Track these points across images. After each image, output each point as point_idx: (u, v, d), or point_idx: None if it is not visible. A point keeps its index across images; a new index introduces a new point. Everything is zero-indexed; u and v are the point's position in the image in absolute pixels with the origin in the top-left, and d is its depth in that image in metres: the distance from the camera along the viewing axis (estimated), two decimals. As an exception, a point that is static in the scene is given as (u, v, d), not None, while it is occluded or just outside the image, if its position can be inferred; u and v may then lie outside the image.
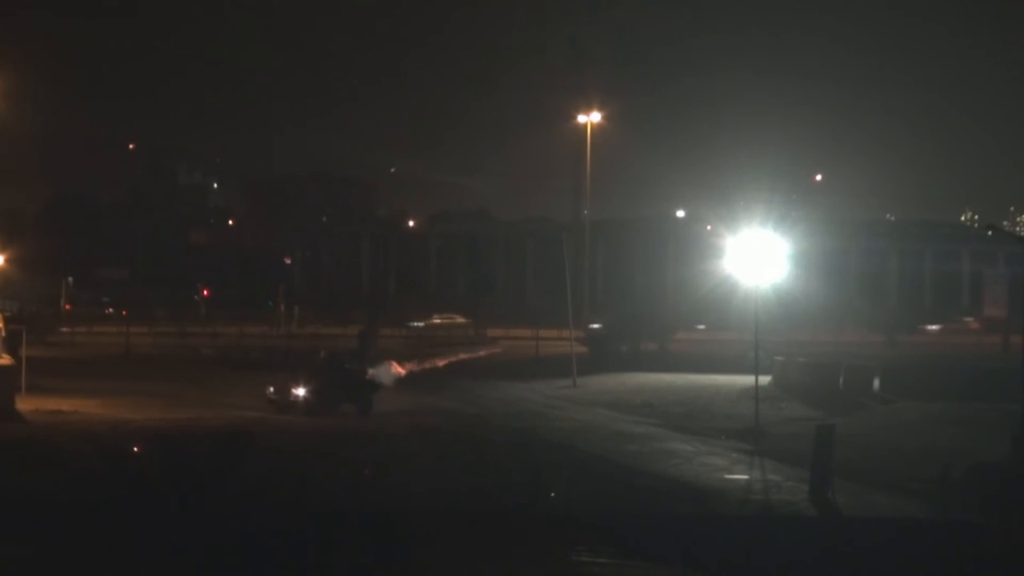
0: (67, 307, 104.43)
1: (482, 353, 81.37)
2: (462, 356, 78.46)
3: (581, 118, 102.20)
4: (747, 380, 53.17)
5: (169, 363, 68.24)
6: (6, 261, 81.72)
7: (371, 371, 54.24)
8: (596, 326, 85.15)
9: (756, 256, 48.69)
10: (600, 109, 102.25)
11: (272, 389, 50.67)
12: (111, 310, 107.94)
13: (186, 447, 27.30)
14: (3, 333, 52.87)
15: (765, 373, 56.05)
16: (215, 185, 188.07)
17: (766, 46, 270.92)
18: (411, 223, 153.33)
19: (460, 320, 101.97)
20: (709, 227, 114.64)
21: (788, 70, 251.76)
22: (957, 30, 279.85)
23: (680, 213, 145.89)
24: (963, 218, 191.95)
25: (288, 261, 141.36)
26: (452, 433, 43.47)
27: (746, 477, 35.89)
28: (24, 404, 47.12)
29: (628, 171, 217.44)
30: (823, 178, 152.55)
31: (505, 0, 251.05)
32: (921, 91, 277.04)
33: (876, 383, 55.33)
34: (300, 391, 49.67)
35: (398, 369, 62.83)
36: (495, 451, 38.71)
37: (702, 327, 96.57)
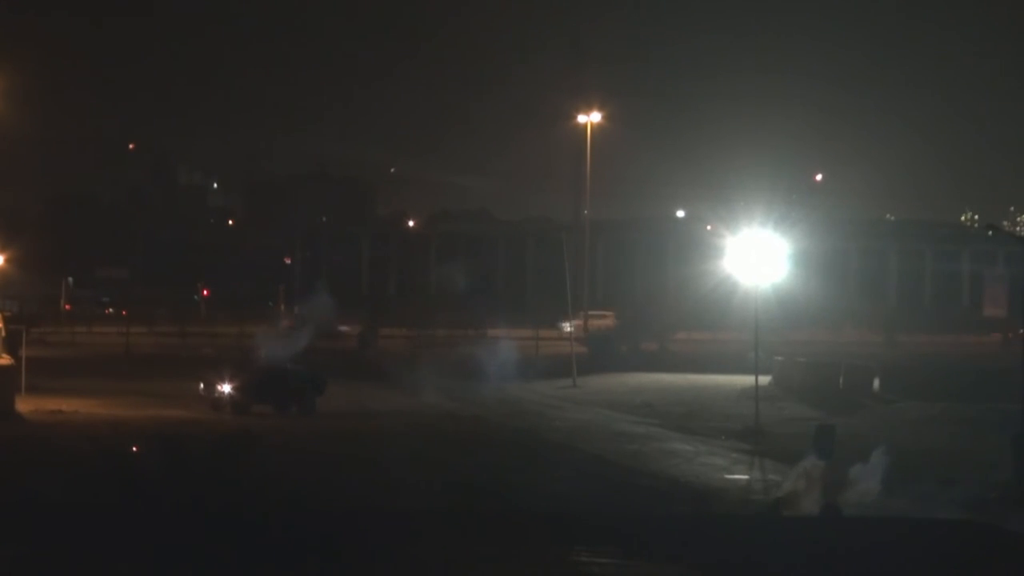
0: (67, 307, 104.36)
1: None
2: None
3: (581, 118, 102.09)
4: (747, 380, 53.15)
5: (169, 363, 68.14)
6: (6, 261, 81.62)
7: None
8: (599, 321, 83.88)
9: (756, 256, 48.71)
10: (600, 109, 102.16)
11: (202, 385, 49.60)
12: (111, 310, 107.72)
13: (186, 447, 27.25)
14: (3, 333, 52.83)
15: (765, 373, 56.01)
16: (215, 185, 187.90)
17: (766, 46, 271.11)
18: (411, 223, 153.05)
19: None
20: (709, 227, 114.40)
21: (788, 70, 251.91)
22: (957, 30, 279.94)
23: (680, 213, 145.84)
24: (963, 218, 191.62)
25: (288, 261, 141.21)
26: (453, 433, 43.47)
27: (746, 477, 35.93)
28: (24, 404, 47.09)
29: (628, 171, 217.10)
30: (823, 178, 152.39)
31: (505, 0, 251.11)
32: (921, 91, 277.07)
33: (876, 383, 55.39)
34: (225, 387, 48.48)
35: None
36: (496, 451, 38.71)
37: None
